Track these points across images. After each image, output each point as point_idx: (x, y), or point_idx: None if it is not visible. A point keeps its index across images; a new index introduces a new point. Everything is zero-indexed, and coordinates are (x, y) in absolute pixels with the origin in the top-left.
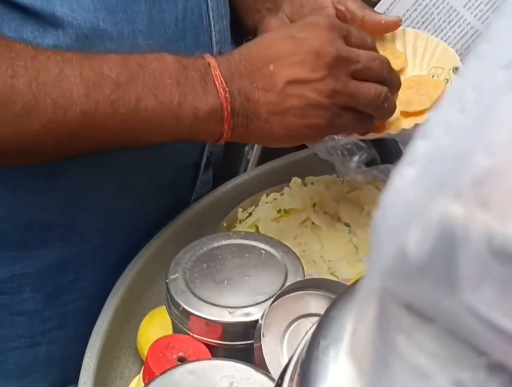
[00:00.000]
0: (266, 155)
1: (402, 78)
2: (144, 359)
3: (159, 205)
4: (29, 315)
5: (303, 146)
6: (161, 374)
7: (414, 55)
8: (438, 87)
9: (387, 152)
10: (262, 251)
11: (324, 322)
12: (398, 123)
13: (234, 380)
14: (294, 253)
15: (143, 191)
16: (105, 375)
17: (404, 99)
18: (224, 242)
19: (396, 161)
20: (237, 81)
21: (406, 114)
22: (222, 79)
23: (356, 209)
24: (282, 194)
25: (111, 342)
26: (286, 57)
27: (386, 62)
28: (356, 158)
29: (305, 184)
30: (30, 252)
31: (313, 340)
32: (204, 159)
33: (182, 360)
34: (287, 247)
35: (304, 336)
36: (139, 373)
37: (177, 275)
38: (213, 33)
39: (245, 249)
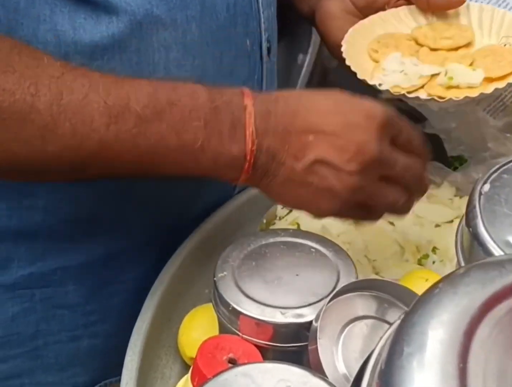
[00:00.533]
0: None
1: (473, 50)
2: (185, 359)
3: (205, 199)
4: (72, 309)
5: None
6: (213, 376)
7: (481, 28)
8: None
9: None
10: (312, 250)
11: (404, 328)
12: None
13: (291, 384)
14: (345, 252)
15: (193, 185)
16: (146, 375)
17: (483, 67)
18: (272, 240)
19: (440, 160)
20: (270, 137)
21: (488, 80)
22: (254, 130)
23: None
24: None
25: (152, 341)
26: (329, 136)
27: (419, 173)
28: None
29: None
30: (76, 245)
31: (394, 347)
32: None
33: (233, 362)
34: (338, 246)
35: (379, 341)
36: (180, 372)
37: (225, 273)
38: (262, 20)
39: (294, 247)
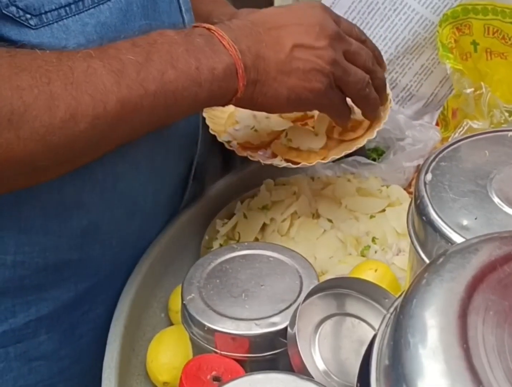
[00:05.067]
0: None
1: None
2: (157, 384)
3: (161, 219)
4: (46, 358)
5: None
6: None
7: None
8: None
9: None
10: (271, 259)
11: (403, 320)
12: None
13: None
14: (302, 256)
15: (148, 208)
16: None
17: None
18: (230, 255)
19: (360, 153)
20: (244, 40)
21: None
22: (228, 39)
23: (334, 204)
24: (254, 198)
25: (123, 372)
26: (292, 26)
27: (371, 55)
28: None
29: (276, 185)
30: (45, 293)
31: (399, 340)
32: (193, 171)
33: (217, 380)
34: (294, 251)
35: (373, 338)
36: None
37: (193, 295)
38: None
39: (253, 259)
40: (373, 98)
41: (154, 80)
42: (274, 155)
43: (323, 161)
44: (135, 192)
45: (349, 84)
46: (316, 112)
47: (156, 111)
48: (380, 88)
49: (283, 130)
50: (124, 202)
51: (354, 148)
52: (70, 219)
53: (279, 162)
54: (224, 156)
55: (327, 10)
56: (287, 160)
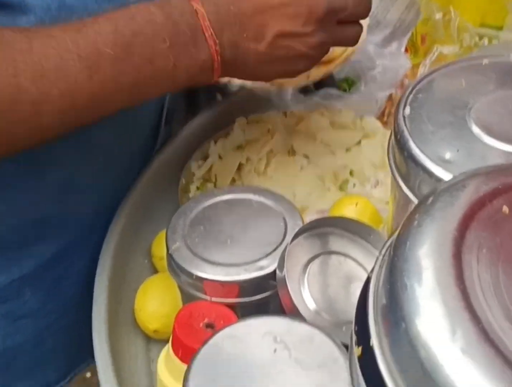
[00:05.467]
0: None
1: None
2: (147, 332)
3: (137, 168)
4: (32, 315)
5: None
6: (202, 346)
7: None
8: None
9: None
10: (253, 202)
11: (398, 262)
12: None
13: (277, 334)
14: (284, 197)
15: (123, 158)
16: (118, 359)
17: None
18: (212, 201)
19: (331, 85)
20: (227, 31)
21: None
22: (211, 31)
23: (309, 139)
24: (227, 138)
25: (112, 325)
26: (278, 8)
27: (369, 2)
28: (290, 89)
29: (249, 123)
30: (26, 251)
31: (395, 283)
32: (164, 116)
33: (210, 326)
34: (276, 193)
35: (368, 281)
36: (144, 347)
37: (178, 243)
38: None
39: (236, 203)
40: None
41: (128, 77)
42: None
43: (308, 80)
44: (110, 143)
45: (342, 42)
46: None
47: (127, 102)
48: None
49: None
50: (99, 154)
51: (334, 67)
52: (46, 174)
53: (268, 86)
54: (188, 98)
55: None
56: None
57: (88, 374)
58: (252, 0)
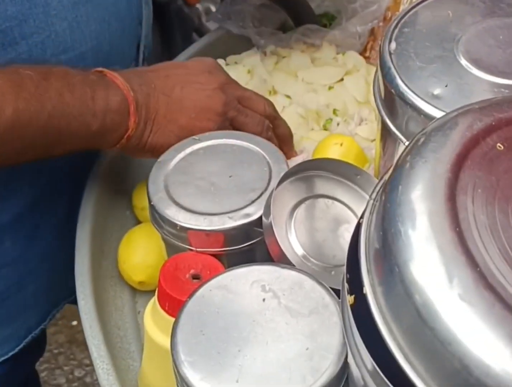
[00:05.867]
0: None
1: None
2: (132, 284)
3: None
4: (13, 264)
5: None
6: (189, 297)
7: None
8: None
9: (299, 13)
10: (235, 147)
11: (391, 208)
12: None
13: (265, 283)
14: (266, 141)
15: None
16: (102, 312)
17: None
18: (192, 148)
19: (311, 21)
20: (136, 80)
21: None
22: (121, 79)
23: (290, 78)
24: None
25: (96, 277)
26: (182, 75)
27: (271, 103)
28: (269, 26)
29: (228, 65)
30: (2, 202)
31: (388, 229)
32: (141, 55)
33: (197, 277)
34: (257, 136)
35: (358, 226)
36: (130, 299)
37: (160, 194)
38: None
39: (217, 149)
40: (277, 142)
41: (51, 99)
42: None
43: None
44: None
45: (247, 125)
46: None
47: (50, 131)
48: (284, 138)
49: None
50: None
51: None
52: None
53: None
54: (163, 35)
55: (219, 66)
56: None
57: (75, 322)
58: (158, 68)
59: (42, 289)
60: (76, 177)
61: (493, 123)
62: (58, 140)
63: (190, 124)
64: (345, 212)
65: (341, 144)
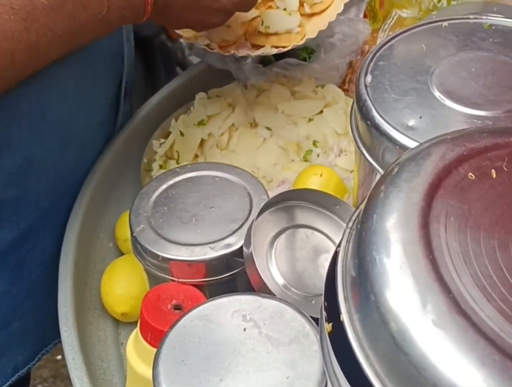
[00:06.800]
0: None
1: None
2: (114, 316)
3: (97, 146)
4: None
5: None
6: (170, 328)
7: None
8: None
9: None
10: (216, 179)
11: (366, 236)
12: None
13: (246, 312)
14: (248, 172)
15: (81, 137)
16: (85, 343)
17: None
18: (174, 180)
19: (291, 55)
20: None
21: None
22: None
23: (271, 111)
24: (188, 114)
25: (78, 310)
26: None
27: None
28: (249, 60)
29: (210, 98)
30: None
31: (364, 257)
32: (123, 91)
33: (178, 308)
34: (239, 168)
35: (335, 255)
36: (113, 331)
37: (142, 226)
38: None
39: (198, 181)
40: None
41: (62, 24)
42: (254, 46)
43: (309, 37)
44: (66, 121)
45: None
46: None
47: (63, 51)
48: None
49: (255, 18)
50: (55, 133)
51: (327, 24)
52: (2, 157)
53: (269, 50)
54: (147, 69)
55: None
56: (275, 47)
57: (59, 357)
58: None
59: (29, 327)
60: (64, 213)
61: (465, 153)
62: (74, 49)
63: (199, 20)
64: (325, 241)
65: (321, 175)
